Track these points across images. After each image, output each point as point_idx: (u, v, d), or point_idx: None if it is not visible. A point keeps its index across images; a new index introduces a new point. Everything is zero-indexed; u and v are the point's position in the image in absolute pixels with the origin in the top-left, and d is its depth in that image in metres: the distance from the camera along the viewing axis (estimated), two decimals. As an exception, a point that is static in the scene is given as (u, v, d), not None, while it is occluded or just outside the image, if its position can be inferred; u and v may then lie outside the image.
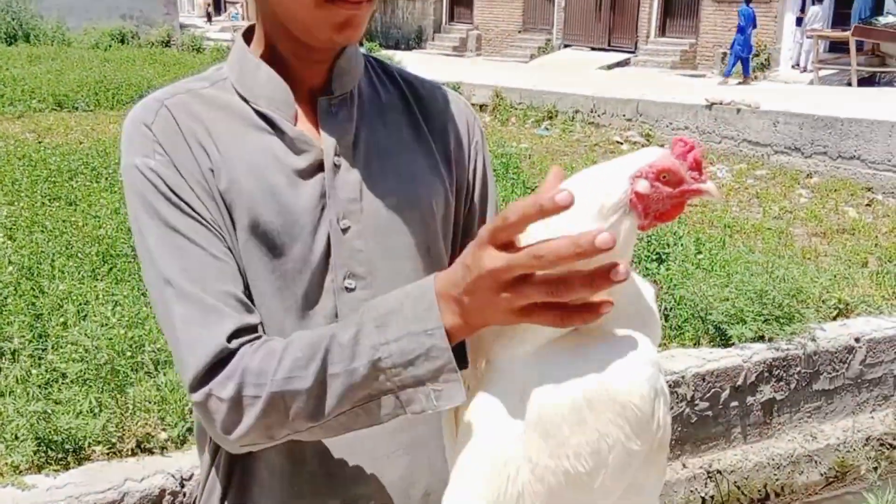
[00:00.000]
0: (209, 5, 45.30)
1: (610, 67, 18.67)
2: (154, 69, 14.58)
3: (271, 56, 1.05)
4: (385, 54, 16.48)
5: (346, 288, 1.03)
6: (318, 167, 1.02)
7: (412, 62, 17.62)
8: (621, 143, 10.77)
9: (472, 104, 11.60)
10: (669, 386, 2.92)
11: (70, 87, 11.71)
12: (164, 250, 0.93)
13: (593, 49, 20.44)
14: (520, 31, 22.50)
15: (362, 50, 1.15)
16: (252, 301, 0.98)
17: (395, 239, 1.06)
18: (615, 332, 0.83)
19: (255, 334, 0.93)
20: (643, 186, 0.78)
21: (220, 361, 0.89)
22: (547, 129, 11.79)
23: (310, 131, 1.04)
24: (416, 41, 24.68)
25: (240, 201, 0.98)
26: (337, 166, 1.03)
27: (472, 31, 23.49)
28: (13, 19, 18.72)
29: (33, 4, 19.51)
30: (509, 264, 0.75)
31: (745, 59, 15.10)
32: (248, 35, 1.09)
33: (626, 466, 0.81)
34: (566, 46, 21.20)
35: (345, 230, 1.02)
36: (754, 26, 15.15)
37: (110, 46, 18.85)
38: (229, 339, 0.90)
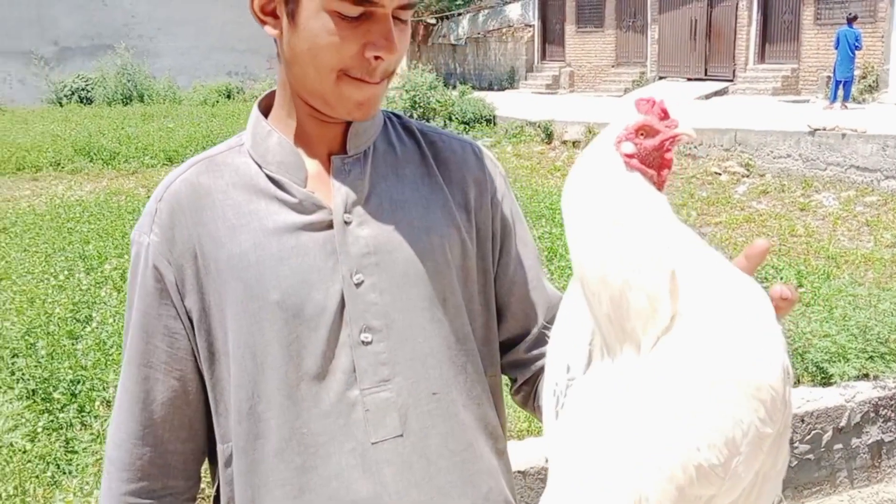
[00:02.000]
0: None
1: (707, 97, 18.32)
2: (257, 122, 15.20)
3: (290, 118, 1.10)
4: (478, 96, 16.70)
5: (363, 342, 1.05)
6: (329, 226, 1.06)
7: (504, 102, 17.81)
8: (720, 174, 10.52)
9: (565, 141, 11.58)
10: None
11: (179, 142, 12.36)
12: (132, 332, 1.09)
13: (689, 80, 20.10)
14: (613, 66, 22.39)
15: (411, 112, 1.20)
16: (256, 367, 1.04)
17: (410, 291, 1.07)
18: (725, 315, 0.80)
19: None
20: (628, 148, 0.84)
21: None
22: (641, 163, 11.63)
23: (323, 191, 1.07)
24: (508, 81, 24.88)
25: (245, 272, 1.03)
26: (347, 223, 1.06)
27: (565, 68, 23.52)
28: (129, 81, 19.94)
29: (147, 66, 20.74)
30: None
31: (842, 82, 14.51)
32: (268, 99, 1.14)
33: (758, 452, 0.79)
34: (661, 78, 20.94)
35: (358, 284, 1.05)
36: (859, 47, 14.58)
37: (217, 102, 19.85)
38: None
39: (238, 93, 21.13)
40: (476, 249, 1.16)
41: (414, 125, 1.20)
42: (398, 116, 1.21)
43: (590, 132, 13.14)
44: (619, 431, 0.81)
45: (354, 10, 0.97)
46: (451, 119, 15.51)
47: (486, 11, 26.69)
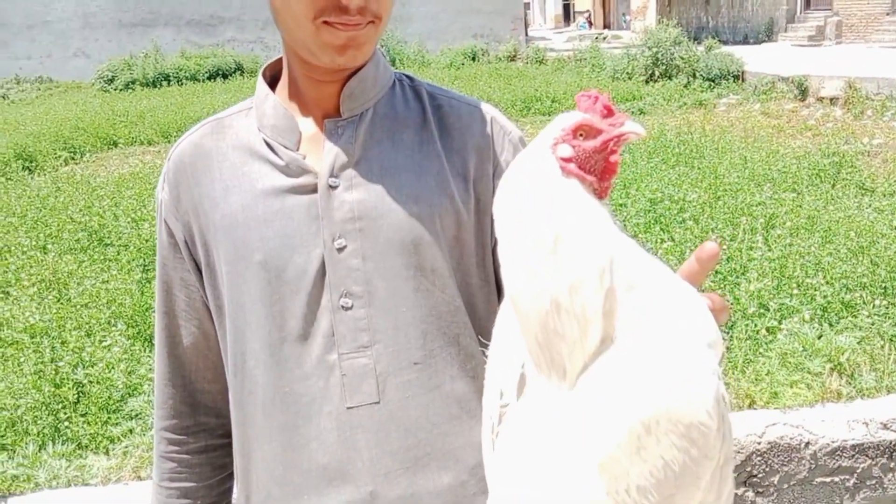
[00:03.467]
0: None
1: None
2: (497, 83, 15.47)
3: (289, 81, 1.12)
4: (727, 51, 15.74)
5: (343, 307, 1.05)
6: (314, 189, 1.07)
7: (759, 56, 16.64)
8: None
9: (821, 98, 10.71)
10: None
11: (420, 104, 12.88)
12: (157, 282, 1.20)
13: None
14: (888, 13, 20.04)
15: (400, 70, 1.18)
16: (229, 327, 1.12)
17: (395, 259, 1.06)
18: (656, 339, 0.74)
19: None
20: (565, 151, 0.76)
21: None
22: (910, 121, 10.41)
23: (317, 153, 1.09)
24: (766, 33, 23.14)
25: (234, 232, 1.07)
26: (333, 187, 1.06)
27: (831, 17, 21.43)
28: (382, 46, 20.97)
29: (399, 31, 21.73)
30: None
31: None
32: (276, 63, 1.17)
33: (694, 490, 0.74)
34: (949, 25, 18.47)
35: (340, 249, 1.05)
36: None
37: (462, 65, 20.34)
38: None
39: (483, 55, 21.50)
40: (474, 221, 1.12)
41: (424, 87, 1.18)
42: (410, 78, 1.19)
43: (850, 87, 11.95)
44: (548, 473, 0.76)
45: None
46: (694, 76, 14.76)
47: (745, -41, 24.93)
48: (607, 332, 0.74)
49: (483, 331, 1.14)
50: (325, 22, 1.00)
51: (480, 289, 1.15)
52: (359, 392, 1.06)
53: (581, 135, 0.77)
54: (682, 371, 0.71)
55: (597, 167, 0.77)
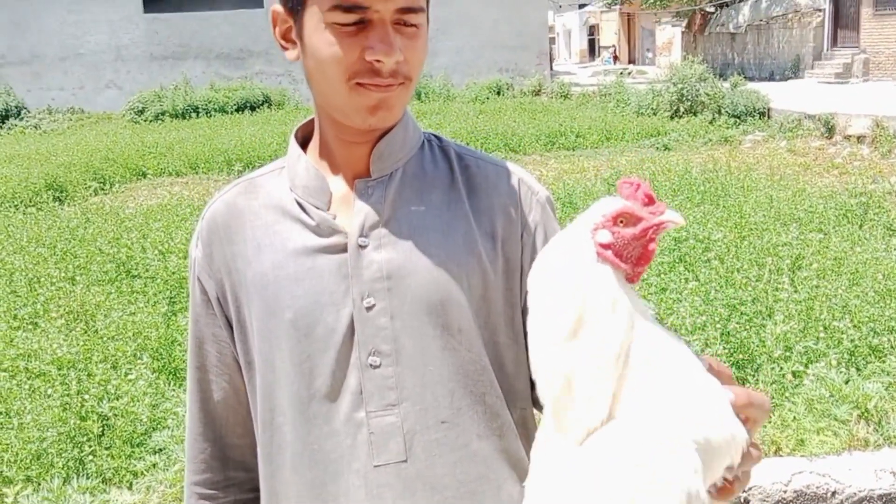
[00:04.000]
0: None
1: None
2: (522, 118, 15.56)
3: (320, 142, 1.15)
4: (752, 87, 15.74)
5: (371, 365, 1.06)
6: (344, 248, 1.09)
7: (785, 93, 16.62)
8: None
9: (848, 136, 10.66)
10: None
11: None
12: (189, 338, 1.23)
13: None
14: (916, 51, 20.00)
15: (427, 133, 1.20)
16: (256, 383, 1.14)
17: (422, 317, 1.07)
18: (655, 425, 0.78)
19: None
20: (604, 237, 0.79)
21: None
22: (938, 160, 10.32)
23: (347, 213, 1.10)
24: (792, 70, 23.12)
25: (265, 290, 1.09)
26: (362, 246, 1.08)
27: (859, 54, 21.40)
28: (407, 81, 21.17)
29: (425, 65, 21.90)
30: None
31: None
32: (308, 125, 1.20)
33: None
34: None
35: (369, 308, 1.07)
36: None
37: (487, 99, 20.49)
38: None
39: (508, 89, 21.65)
40: (502, 281, 1.13)
41: (452, 147, 1.20)
42: (438, 138, 1.21)
43: (878, 126, 11.88)
44: None
45: (349, 18, 0.99)
46: (720, 113, 14.77)
47: (771, -4, 25.01)
48: (612, 412, 0.79)
49: (511, 389, 1.15)
50: (358, 84, 1.03)
51: (508, 347, 1.15)
52: (386, 450, 1.07)
53: (621, 222, 0.79)
54: (654, 471, 0.75)
55: (633, 254, 0.80)
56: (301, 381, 1.08)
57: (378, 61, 1.01)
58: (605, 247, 0.79)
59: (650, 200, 0.79)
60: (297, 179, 1.14)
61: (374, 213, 1.10)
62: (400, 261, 1.08)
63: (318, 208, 1.11)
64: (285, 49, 1.10)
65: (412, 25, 1.03)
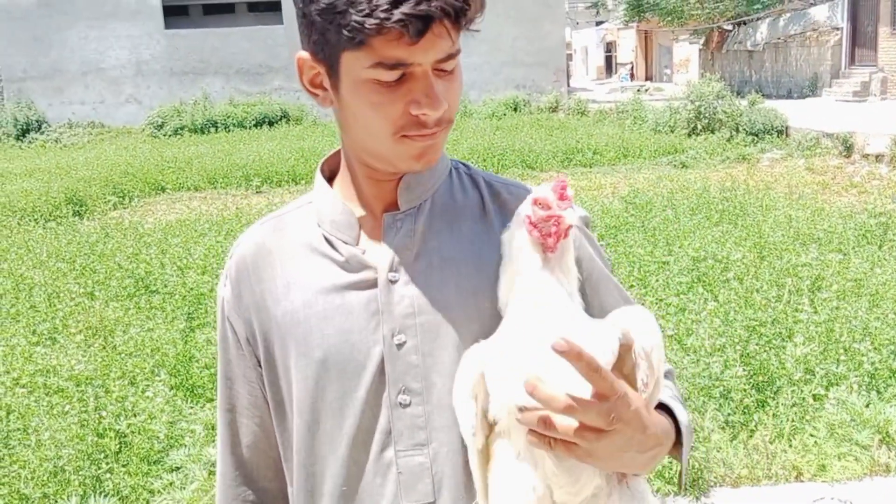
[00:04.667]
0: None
1: None
2: (538, 134, 15.57)
3: (347, 180, 1.13)
4: (770, 106, 15.69)
5: (401, 403, 1.05)
6: (374, 284, 1.07)
7: (803, 111, 16.54)
8: None
9: (866, 154, 10.56)
10: None
11: (463, 154, 12.97)
12: (219, 379, 1.18)
13: None
14: (936, 69, 19.86)
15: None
16: (285, 423, 1.14)
17: (452, 354, 1.05)
18: None
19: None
20: (526, 210, 1.02)
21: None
22: (959, 180, 10.22)
23: (377, 248, 1.09)
24: (810, 88, 23.02)
25: (295, 329, 1.08)
26: (393, 281, 1.06)
27: (877, 73, 21.28)
28: (425, 97, 21.25)
29: (442, 82, 21.98)
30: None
31: None
32: (333, 158, 1.17)
33: None
34: None
35: (399, 346, 1.05)
36: None
37: (504, 115, 20.53)
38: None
39: (525, 105, 21.68)
40: None
41: (480, 175, 1.18)
42: (466, 166, 1.19)
43: (897, 144, 11.80)
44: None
45: (392, 75, 0.96)
46: (737, 131, 14.72)
47: (788, 15, 24.93)
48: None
49: None
50: (404, 136, 1.01)
51: None
52: (414, 491, 1.06)
53: (539, 204, 1.00)
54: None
55: (546, 229, 1.00)
56: (333, 420, 1.07)
57: (424, 115, 0.99)
58: (529, 218, 1.01)
59: (563, 197, 0.98)
60: (325, 215, 1.12)
61: (404, 246, 1.08)
62: (430, 296, 1.06)
63: (346, 243, 1.10)
64: (315, 96, 1.06)
65: (449, 71, 1.00)
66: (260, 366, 1.14)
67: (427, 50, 0.95)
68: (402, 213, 1.10)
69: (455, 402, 1.02)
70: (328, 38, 0.97)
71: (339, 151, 1.17)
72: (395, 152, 1.03)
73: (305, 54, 1.03)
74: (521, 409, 0.93)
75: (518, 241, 1.02)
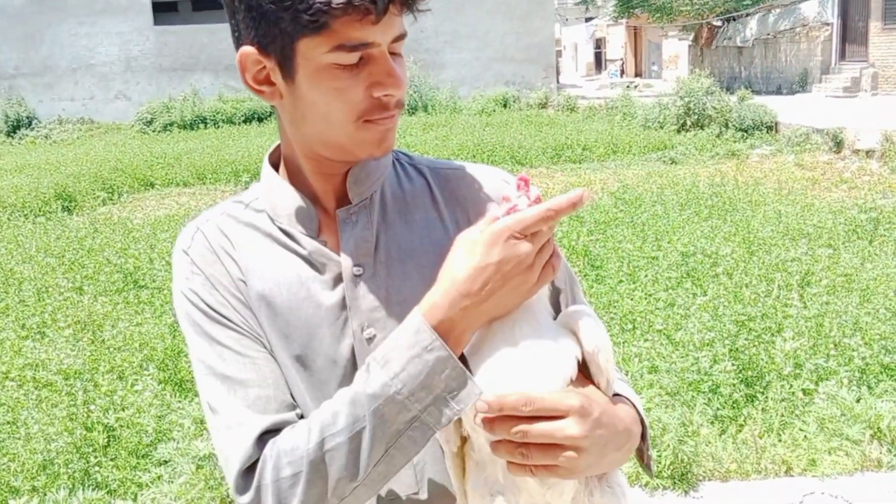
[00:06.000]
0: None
1: None
2: (528, 130, 15.57)
3: (295, 174, 1.08)
4: (759, 102, 15.73)
5: None
6: (339, 278, 1.04)
7: (792, 107, 16.60)
8: None
9: (856, 150, 10.59)
10: None
11: (452, 150, 12.97)
12: (210, 361, 1.02)
13: None
14: (925, 66, 19.97)
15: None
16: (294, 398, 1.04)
17: None
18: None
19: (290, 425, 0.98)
20: (497, 211, 0.97)
21: (253, 464, 0.95)
22: (947, 176, 10.27)
23: (334, 242, 1.06)
24: (800, 84, 23.11)
25: (265, 317, 1.04)
26: (357, 276, 1.04)
27: (867, 69, 21.38)
28: (415, 92, 21.28)
29: (432, 78, 21.99)
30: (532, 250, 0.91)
31: None
32: (278, 152, 1.12)
33: None
34: None
35: (370, 339, 1.03)
36: None
37: (493, 111, 20.53)
38: (259, 441, 0.95)
39: (514, 101, 21.69)
40: None
41: (423, 163, 1.16)
42: (407, 155, 1.17)
43: (887, 141, 11.83)
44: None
45: (352, 58, 0.95)
46: (727, 126, 14.76)
47: (778, 11, 25.01)
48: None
49: None
50: (366, 121, 0.99)
51: None
52: (398, 482, 1.04)
53: (504, 199, 0.95)
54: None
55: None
56: (310, 405, 1.02)
57: (388, 96, 0.98)
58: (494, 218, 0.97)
59: (519, 187, 0.94)
60: (281, 209, 1.08)
61: (363, 239, 1.06)
62: (395, 287, 1.05)
63: (308, 236, 1.07)
64: (261, 93, 1.02)
65: (398, 53, 1.00)
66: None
67: (385, 30, 0.95)
68: (356, 206, 1.07)
69: None
70: (282, 27, 0.94)
71: (279, 147, 1.12)
72: (356, 139, 1.00)
73: (250, 49, 0.98)
74: (493, 443, 0.93)
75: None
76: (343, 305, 1.04)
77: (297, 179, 1.09)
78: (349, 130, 0.99)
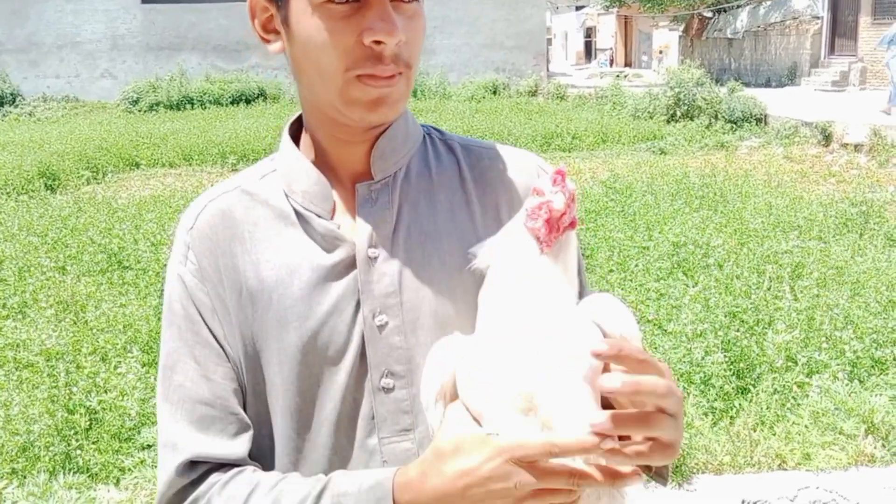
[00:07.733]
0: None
1: None
2: (517, 118, 15.50)
3: (313, 144, 1.03)
4: (749, 94, 15.73)
5: (384, 388, 0.97)
6: (352, 262, 0.98)
7: (781, 100, 16.61)
8: None
9: (845, 144, 10.61)
10: None
11: (441, 137, 12.89)
12: (171, 360, 0.99)
13: None
14: (914, 61, 20.00)
15: (420, 122, 1.09)
16: (265, 412, 1.00)
17: (436, 333, 0.97)
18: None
19: (218, 463, 0.96)
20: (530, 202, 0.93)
21: (180, 490, 0.95)
22: (935, 171, 10.30)
23: (349, 221, 1.00)
24: (789, 77, 23.14)
25: (269, 311, 0.98)
26: (373, 258, 0.98)
27: (856, 63, 21.42)
28: (404, 80, 21.13)
29: (422, 63, 21.83)
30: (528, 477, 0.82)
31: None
32: (298, 124, 1.07)
33: None
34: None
35: (381, 327, 0.97)
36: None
37: (483, 98, 20.43)
38: (185, 469, 0.94)
39: (504, 89, 21.59)
40: None
41: (456, 141, 1.09)
42: (439, 131, 1.10)
43: (876, 135, 11.86)
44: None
45: None
46: (716, 118, 14.75)
47: (769, 3, 25.00)
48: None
49: None
50: (358, 77, 0.92)
51: None
52: None
53: (536, 193, 0.91)
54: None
55: (537, 218, 0.91)
56: (313, 407, 0.98)
57: (379, 42, 0.90)
58: (526, 210, 0.92)
59: (555, 182, 0.89)
60: (296, 184, 1.01)
61: (382, 220, 0.99)
62: (412, 272, 0.98)
63: (320, 217, 1.00)
64: (267, 41, 0.98)
65: (407, 1, 0.92)
66: (229, 344, 1.02)
67: None
68: (377, 182, 1.01)
69: (423, 401, 0.94)
70: None
71: (299, 118, 1.07)
72: (346, 96, 0.93)
73: None
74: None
75: (515, 228, 0.93)
76: (355, 290, 0.97)
77: (316, 149, 1.03)
78: (339, 84, 0.92)
